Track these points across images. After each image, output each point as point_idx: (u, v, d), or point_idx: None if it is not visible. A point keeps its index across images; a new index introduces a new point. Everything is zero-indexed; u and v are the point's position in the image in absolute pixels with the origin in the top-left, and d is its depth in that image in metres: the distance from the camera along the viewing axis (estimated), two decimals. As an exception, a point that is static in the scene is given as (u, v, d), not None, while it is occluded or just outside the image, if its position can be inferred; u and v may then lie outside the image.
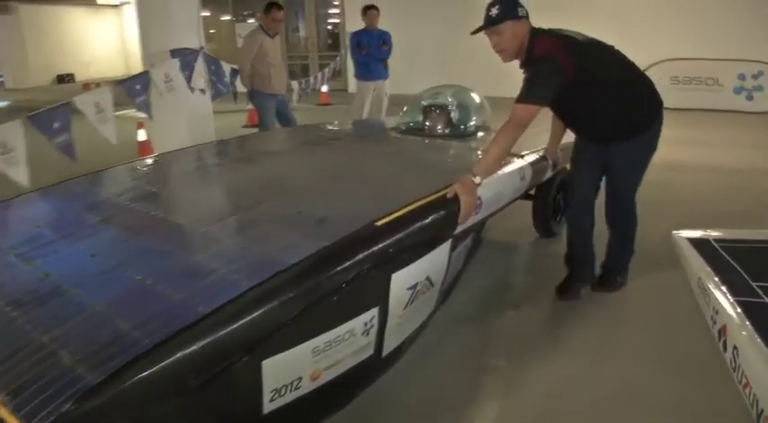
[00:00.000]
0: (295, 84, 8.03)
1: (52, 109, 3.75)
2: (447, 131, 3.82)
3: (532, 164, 3.15)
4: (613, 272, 3.15)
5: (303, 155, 3.42)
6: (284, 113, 5.83)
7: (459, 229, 2.33)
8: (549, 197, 3.76)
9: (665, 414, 2.21)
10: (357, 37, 6.59)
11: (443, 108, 3.90)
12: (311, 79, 8.88)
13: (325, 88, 10.55)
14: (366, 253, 1.84)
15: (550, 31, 2.67)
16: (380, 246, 1.90)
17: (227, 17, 14.65)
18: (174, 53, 4.63)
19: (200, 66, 4.82)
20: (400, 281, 1.97)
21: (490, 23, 2.59)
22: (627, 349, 2.65)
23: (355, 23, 6.95)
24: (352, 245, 1.86)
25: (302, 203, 2.34)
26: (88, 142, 3.98)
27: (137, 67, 18.53)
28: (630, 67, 2.80)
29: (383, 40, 6.56)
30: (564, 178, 3.63)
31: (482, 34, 2.67)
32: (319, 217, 2.17)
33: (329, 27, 14.04)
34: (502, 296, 3.20)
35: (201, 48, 5.03)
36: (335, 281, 1.74)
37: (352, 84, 11.95)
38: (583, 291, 3.11)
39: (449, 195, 2.27)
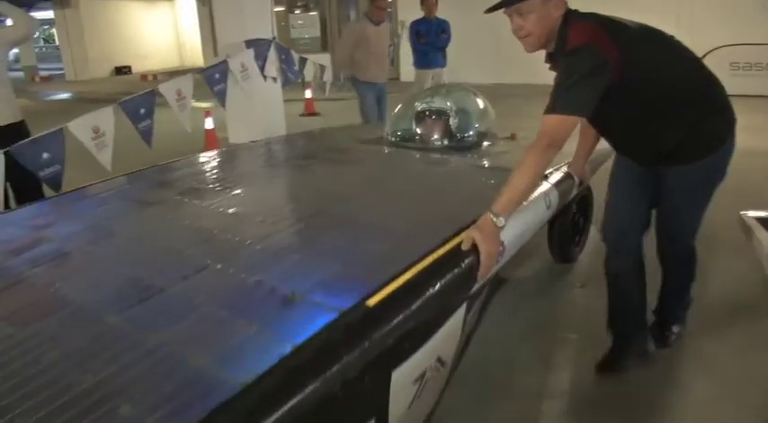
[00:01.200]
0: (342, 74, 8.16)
1: (140, 96, 3.92)
2: (445, 142, 3.23)
3: (558, 185, 2.53)
4: (668, 322, 2.53)
5: (263, 184, 2.73)
6: (382, 108, 5.70)
7: (477, 286, 1.82)
8: (568, 219, 3.24)
9: (734, 386, 2.28)
10: (416, 26, 6.65)
11: (441, 114, 3.29)
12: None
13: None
14: (354, 354, 1.25)
15: (591, 15, 1.99)
16: (374, 337, 1.31)
17: (280, 8, 14.87)
18: (249, 43, 4.78)
19: (272, 55, 4.97)
20: (403, 377, 1.42)
21: None
22: (693, 322, 2.64)
23: (407, 12, 7.00)
24: (332, 345, 1.26)
25: (259, 266, 1.67)
26: (158, 130, 4.14)
27: (190, 59, 19.06)
28: (698, 64, 2.12)
29: (442, 28, 6.59)
30: (584, 193, 3.13)
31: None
32: (286, 293, 1.48)
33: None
34: (568, 274, 3.34)
35: (273, 38, 5.17)
36: (305, 406, 1.14)
37: (405, 72, 12.09)
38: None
39: (465, 246, 1.73)
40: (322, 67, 5.91)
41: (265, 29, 5.11)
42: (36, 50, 20.37)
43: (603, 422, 2.18)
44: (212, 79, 4.46)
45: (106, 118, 3.58)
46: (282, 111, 5.47)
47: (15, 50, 23.77)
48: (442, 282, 1.59)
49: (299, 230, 2.02)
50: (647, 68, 1.96)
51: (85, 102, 12.91)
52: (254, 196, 2.48)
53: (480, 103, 3.55)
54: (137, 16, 18.93)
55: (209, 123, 6.86)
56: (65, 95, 14.65)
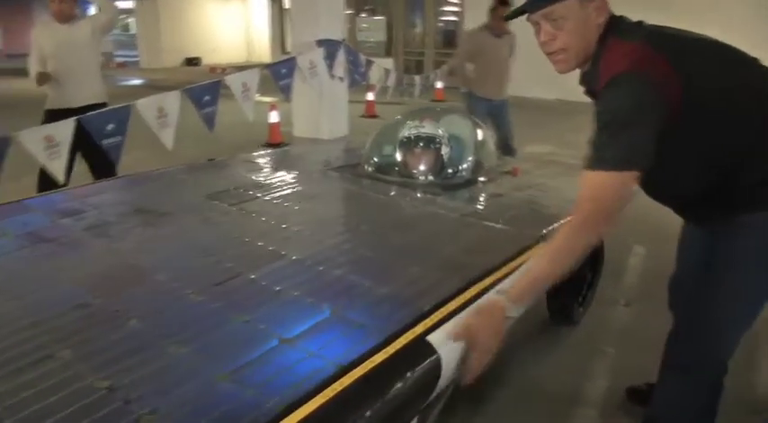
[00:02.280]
0: (418, 78, 8.30)
1: (206, 84, 4.14)
2: (432, 178, 2.74)
3: None
4: None
5: (165, 228, 2.14)
6: (499, 124, 5.07)
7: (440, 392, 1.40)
8: (572, 270, 2.42)
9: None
10: None
11: (431, 142, 2.76)
12: (431, 75, 9.13)
13: (439, 85, 10.74)
14: None
15: (639, 27, 1.50)
16: None
17: (348, 11, 15.15)
18: (320, 43, 4.95)
19: (341, 56, 5.13)
20: None
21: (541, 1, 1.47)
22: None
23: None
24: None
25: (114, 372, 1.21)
26: (223, 121, 4.33)
27: (257, 55, 19.56)
28: None
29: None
30: (596, 249, 2.57)
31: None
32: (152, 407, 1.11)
33: (441, 24, 14.20)
34: (613, 291, 3.26)
35: (343, 39, 5.34)
36: None
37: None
38: None
39: (455, 338, 1.34)
40: (387, 71, 6.05)
41: (336, 30, 5.27)
42: (112, 38, 21.27)
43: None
44: (278, 74, 4.65)
45: (171, 101, 3.81)
46: (347, 110, 5.64)
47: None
48: (397, 390, 1.21)
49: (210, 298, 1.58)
50: (712, 94, 1.45)
51: (156, 89, 13.34)
52: (152, 237, 2.04)
53: (478, 131, 3.07)
54: (210, 11, 19.57)
55: (273, 117, 7.10)
56: (137, 82, 15.29)
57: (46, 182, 3.40)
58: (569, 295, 2.79)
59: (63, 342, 1.33)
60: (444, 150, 2.79)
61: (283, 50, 15.67)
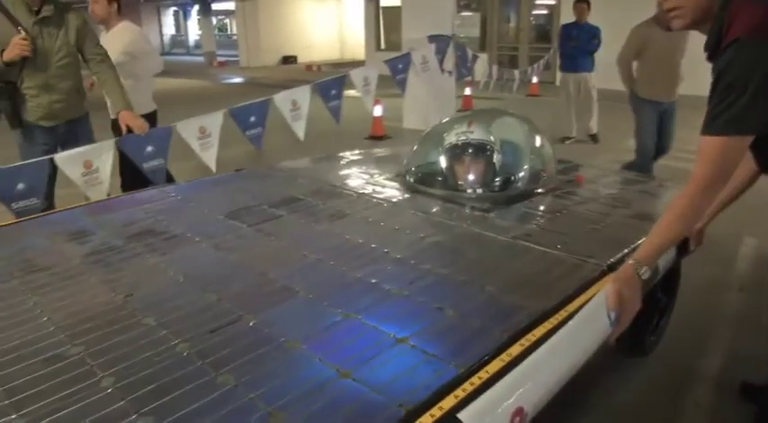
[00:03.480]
0: (516, 73, 8.40)
1: (332, 79, 4.44)
2: (481, 190, 2.49)
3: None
4: None
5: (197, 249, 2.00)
6: (663, 129, 4.53)
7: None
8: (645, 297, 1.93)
9: None
10: (567, 29, 6.73)
11: (482, 150, 2.50)
12: (528, 70, 9.18)
13: (535, 79, 10.75)
14: None
15: None
16: None
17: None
18: (431, 39, 5.18)
19: (451, 51, 5.34)
20: None
21: None
22: None
23: (569, 16, 7.03)
24: None
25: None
26: (324, 116, 4.57)
27: (350, 52, 20.08)
28: None
29: (593, 33, 6.60)
30: (671, 265, 2.12)
31: None
32: None
33: (534, 19, 14.09)
34: (727, 276, 3.25)
35: (453, 35, 5.55)
36: None
37: (560, 77, 12.04)
38: None
39: (611, 302, 1.43)
40: (490, 66, 6.21)
41: (446, 26, 5.48)
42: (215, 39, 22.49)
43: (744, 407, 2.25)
44: (396, 68, 4.91)
45: (303, 95, 4.13)
46: (454, 103, 5.85)
47: (197, 37, 26.31)
48: None
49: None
50: None
51: (258, 86, 14.13)
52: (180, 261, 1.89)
53: (535, 135, 2.77)
54: (306, 11, 20.28)
55: (377, 111, 7.42)
56: (238, 79, 16.12)
57: (131, 179, 3.54)
58: (640, 323, 2.20)
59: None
60: (496, 158, 2.51)
61: (378, 48, 16.03)
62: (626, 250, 1.87)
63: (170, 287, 1.69)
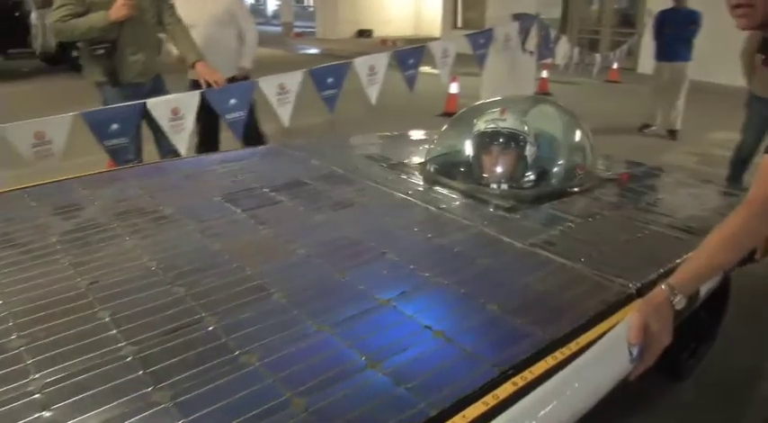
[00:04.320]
0: (598, 56, 8.22)
1: (411, 48, 4.50)
2: (506, 186, 2.31)
3: None
4: None
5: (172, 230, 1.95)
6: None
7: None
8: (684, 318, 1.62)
9: None
10: (662, 14, 6.36)
11: (512, 141, 2.31)
12: (611, 55, 8.95)
13: (615, 65, 10.46)
14: None
15: None
16: None
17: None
18: (516, 17, 5.16)
19: (534, 30, 5.31)
20: None
21: None
22: None
23: (656, 2, 6.70)
24: None
25: None
26: (398, 90, 4.60)
27: (425, 28, 19.94)
28: None
29: (692, 19, 6.16)
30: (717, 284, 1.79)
31: None
32: None
33: (616, 3, 13.62)
34: None
35: (538, 14, 5.50)
36: None
37: (642, 64, 11.67)
38: None
39: (633, 338, 1.20)
40: (572, 48, 6.11)
41: (531, 5, 5.44)
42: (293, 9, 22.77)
43: None
44: (477, 44, 4.93)
45: (381, 61, 4.22)
46: (533, 84, 5.82)
47: (275, 7, 26.73)
48: None
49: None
50: None
51: (333, 57, 14.22)
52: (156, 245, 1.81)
53: (576, 127, 2.55)
54: (384, -16, 20.23)
55: (453, 88, 7.44)
56: (314, 50, 16.34)
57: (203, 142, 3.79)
58: (679, 347, 1.97)
59: None
60: (528, 151, 2.31)
61: (454, 26, 15.89)
62: (661, 270, 1.61)
63: (139, 276, 1.57)
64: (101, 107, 3.22)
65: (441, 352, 1.26)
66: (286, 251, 1.75)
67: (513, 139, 2.31)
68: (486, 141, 2.35)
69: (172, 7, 3.50)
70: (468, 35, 4.95)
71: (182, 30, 3.51)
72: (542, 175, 2.38)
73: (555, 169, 2.39)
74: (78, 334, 1.30)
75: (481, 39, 4.95)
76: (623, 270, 1.62)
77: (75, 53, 10.57)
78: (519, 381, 1.15)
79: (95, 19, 3.09)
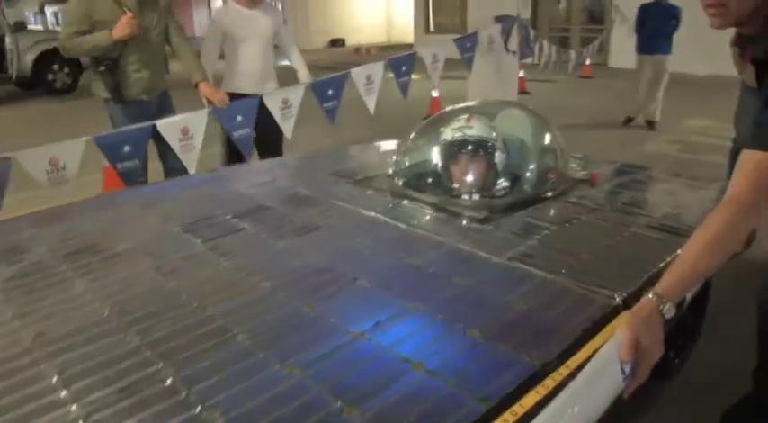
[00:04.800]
0: (572, 53, 8.44)
1: (404, 56, 4.63)
2: (477, 197, 2.23)
3: None
4: None
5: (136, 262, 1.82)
6: None
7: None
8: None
9: None
10: (645, 9, 6.55)
11: (480, 148, 2.23)
12: (584, 51, 9.19)
13: (588, 62, 10.72)
14: None
15: None
16: None
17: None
18: (497, 19, 5.31)
19: (515, 31, 5.47)
20: None
21: None
22: None
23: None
24: None
25: None
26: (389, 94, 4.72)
27: (397, 35, 20.14)
28: None
29: (673, 14, 6.39)
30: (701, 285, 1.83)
31: None
32: None
33: (584, 0, 13.94)
34: None
35: (518, 15, 5.66)
36: None
37: (613, 59, 11.97)
38: None
39: (624, 355, 1.12)
40: (549, 46, 6.28)
41: (511, 6, 5.60)
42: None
43: None
44: (464, 47, 5.07)
45: (377, 70, 4.34)
46: (517, 82, 5.98)
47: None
48: None
49: None
50: None
51: (311, 68, 14.39)
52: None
53: (545, 130, 2.50)
54: (353, -8, 20.40)
55: (435, 93, 7.58)
56: (287, 62, 16.38)
57: (232, 154, 3.79)
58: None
59: None
60: (498, 157, 2.24)
61: (427, 31, 16.10)
62: (645, 276, 1.55)
63: (90, 325, 1.43)
64: (110, 131, 3.26)
65: (422, 388, 1.15)
66: (249, 285, 1.61)
67: (482, 147, 2.23)
68: (453, 150, 2.26)
69: (179, 27, 3.57)
70: (455, 40, 5.08)
71: (187, 49, 3.56)
72: (514, 181, 2.30)
73: (527, 175, 2.32)
74: (22, 398, 1.16)
75: (467, 42, 5.09)
76: (607, 279, 1.56)
77: (50, 77, 10.66)
78: (509, 417, 1.06)
79: (99, 38, 3.17)
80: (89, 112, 8.79)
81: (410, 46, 15.70)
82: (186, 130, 3.31)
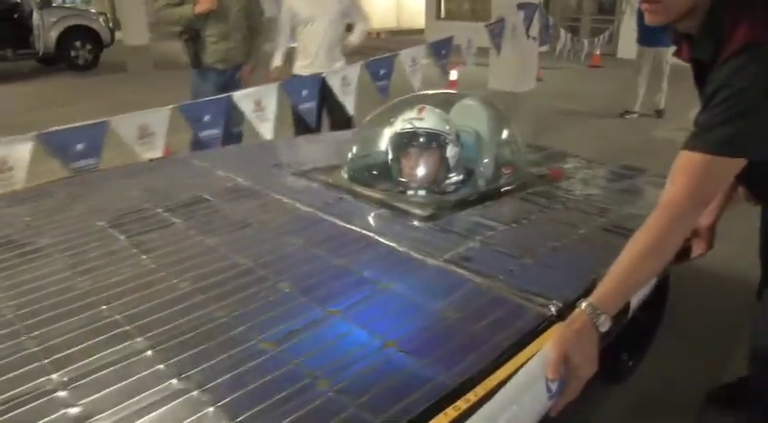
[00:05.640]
0: (586, 42, 8.74)
1: (442, 40, 4.91)
2: (424, 192, 2.16)
3: None
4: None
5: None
6: None
7: None
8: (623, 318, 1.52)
9: None
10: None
11: (432, 141, 2.15)
12: (594, 41, 9.49)
13: (597, 51, 11.01)
14: None
15: None
16: None
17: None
18: (520, 6, 5.61)
19: (537, 18, 5.78)
20: None
21: None
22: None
23: None
24: None
25: None
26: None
27: (407, 21, 20.34)
28: None
29: None
30: (658, 282, 1.81)
31: None
32: None
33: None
34: None
35: (540, 2, 5.97)
36: None
37: (621, 50, 12.24)
38: None
39: (550, 374, 1.07)
40: (565, 35, 6.56)
41: (532, -6, 5.90)
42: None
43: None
44: (494, 33, 5.40)
45: (420, 52, 4.62)
46: (536, 68, 6.28)
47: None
48: None
49: None
50: None
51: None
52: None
53: (502, 123, 2.45)
54: (364, -22, 20.51)
55: (453, 75, 7.91)
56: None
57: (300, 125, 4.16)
58: (615, 349, 2.05)
59: None
60: (450, 151, 2.15)
61: (438, 17, 16.32)
62: (587, 284, 1.42)
63: None
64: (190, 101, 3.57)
65: (320, 411, 1.04)
66: (166, 287, 1.50)
67: (433, 140, 2.15)
68: (402, 143, 2.18)
69: (256, 9, 4.10)
70: (486, 25, 5.38)
71: (257, 34, 4.11)
72: (468, 176, 2.23)
73: (481, 169, 2.25)
74: None
75: (496, 29, 5.40)
76: (545, 287, 1.46)
77: (73, 53, 10.92)
78: None
79: (185, 11, 3.75)
80: (111, 86, 9.17)
81: (421, 31, 15.95)
82: (259, 102, 3.63)
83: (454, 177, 2.22)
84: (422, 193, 2.16)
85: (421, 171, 2.17)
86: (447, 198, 2.12)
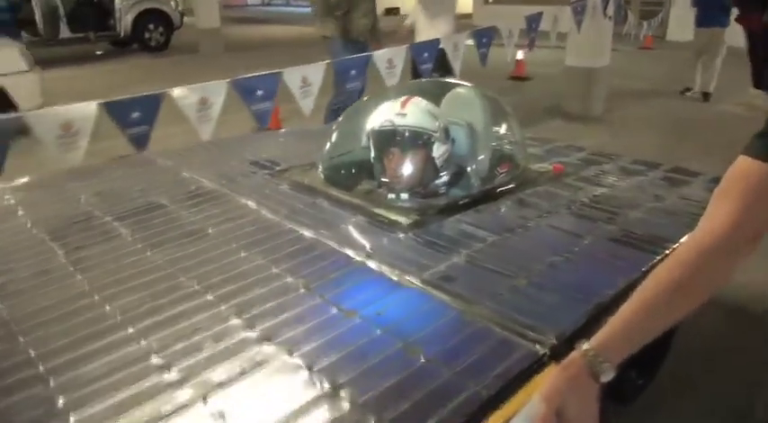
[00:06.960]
0: (645, 25, 9.08)
1: (485, 28, 5.31)
2: (418, 193, 1.94)
3: None
4: None
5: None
6: None
7: None
8: None
9: None
10: None
11: (416, 139, 1.90)
12: (646, 24, 9.81)
13: (649, 34, 11.33)
14: None
15: None
16: None
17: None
18: (595, -14, 6.02)
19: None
20: None
21: None
22: None
23: None
24: None
25: None
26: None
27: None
28: None
29: None
30: None
31: None
32: None
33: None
34: None
35: (608, -16, 6.37)
36: None
37: (671, 33, 12.50)
38: None
39: None
40: (632, 16, 6.89)
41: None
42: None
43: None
44: (576, 11, 5.81)
45: (463, 38, 5.04)
46: (610, 45, 6.68)
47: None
48: None
49: None
50: None
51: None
52: None
53: (499, 115, 2.20)
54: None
55: (520, 55, 8.35)
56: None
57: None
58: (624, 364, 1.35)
59: None
60: (437, 150, 1.90)
61: (486, 1, 16.64)
62: (589, 313, 1.24)
63: None
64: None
65: None
66: (98, 315, 1.31)
67: (417, 139, 1.89)
68: (383, 142, 1.92)
69: None
70: (572, 4, 5.80)
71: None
72: (458, 176, 1.98)
73: (473, 167, 1.99)
74: None
75: (579, 7, 5.82)
76: (537, 317, 1.23)
77: (146, 35, 11.53)
78: None
79: None
80: (183, 67, 9.70)
81: (468, 16, 16.27)
82: (305, 78, 4.01)
83: (443, 178, 1.96)
84: (405, 196, 1.91)
85: (404, 172, 1.91)
86: (434, 202, 1.88)
